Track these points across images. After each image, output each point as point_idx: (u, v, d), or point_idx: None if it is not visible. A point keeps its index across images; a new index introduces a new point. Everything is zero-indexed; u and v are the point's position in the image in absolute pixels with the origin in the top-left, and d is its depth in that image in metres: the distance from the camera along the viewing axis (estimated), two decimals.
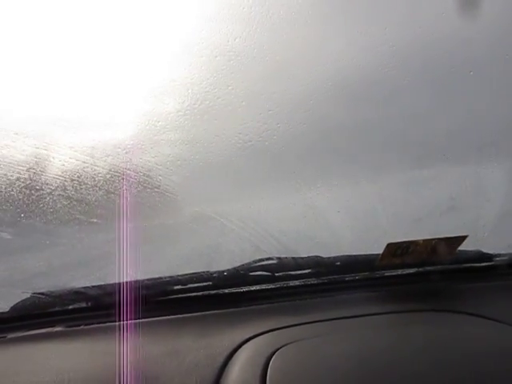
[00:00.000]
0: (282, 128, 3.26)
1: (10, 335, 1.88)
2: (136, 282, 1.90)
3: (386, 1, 3.54)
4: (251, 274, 2.02)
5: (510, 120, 3.61)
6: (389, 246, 1.88)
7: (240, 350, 1.53)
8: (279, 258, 2.09)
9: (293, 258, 2.08)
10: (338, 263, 2.05)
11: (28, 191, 3.17)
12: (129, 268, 2.03)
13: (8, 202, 3.20)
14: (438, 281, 2.01)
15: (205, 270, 2.06)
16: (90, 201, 3.35)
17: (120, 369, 1.46)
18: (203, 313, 1.89)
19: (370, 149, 4.06)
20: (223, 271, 2.02)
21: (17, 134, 2.97)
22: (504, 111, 3.64)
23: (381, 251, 1.90)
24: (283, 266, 2.04)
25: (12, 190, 3.14)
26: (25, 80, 3.29)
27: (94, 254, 4.71)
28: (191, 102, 3.18)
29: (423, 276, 2.05)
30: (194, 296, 2.00)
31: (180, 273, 2.04)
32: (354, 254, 2.11)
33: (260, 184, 4.11)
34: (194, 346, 1.60)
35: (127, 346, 1.61)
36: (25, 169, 3.08)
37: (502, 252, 2.05)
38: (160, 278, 2.02)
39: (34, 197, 3.21)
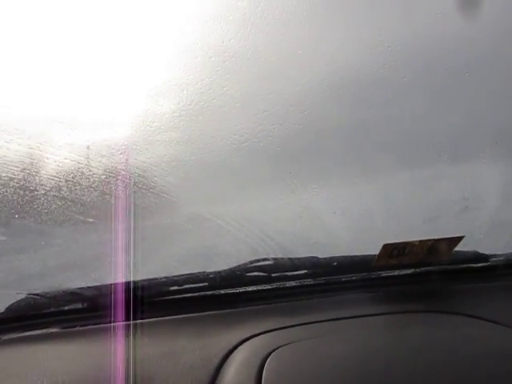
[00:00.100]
0: (278, 129, 3.26)
1: (5, 337, 1.87)
2: (131, 282, 1.90)
3: (381, 1, 3.54)
4: (247, 274, 2.02)
5: (507, 121, 3.61)
6: (385, 246, 1.88)
7: (236, 351, 1.52)
8: (275, 259, 2.09)
9: (289, 258, 2.08)
10: (335, 264, 2.05)
11: (22, 192, 3.16)
12: (124, 269, 2.02)
13: (2, 202, 3.18)
14: (434, 281, 2.01)
15: (201, 270, 2.06)
16: (85, 201, 3.34)
17: (115, 370, 1.45)
18: (199, 314, 1.88)
19: (366, 149, 4.06)
20: (219, 272, 2.02)
21: (10, 134, 2.96)
22: (502, 112, 3.65)
23: (377, 252, 1.90)
24: (279, 267, 2.04)
25: (6, 191, 3.12)
26: (18, 80, 3.27)
27: (89, 255, 4.69)
28: (186, 102, 3.17)
29: (420, 277, 2.05)
30: (190, 297, 1.99)
31: (176, 273, 2.04)
32: (351, 254, 2.11)
33: (256, 185, 4.10)
34: (189, 347, 1.59)
35: (122, 347, 1.61)
36: (19, 169, 3.07)
37: (499, 252, 2.05)
38: (156, 278, 2.01)
39: (28, 197, 3.19)
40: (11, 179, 3.07)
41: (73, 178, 3.19)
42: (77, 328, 1.88)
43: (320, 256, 2.08)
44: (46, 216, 3.38)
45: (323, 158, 4.07)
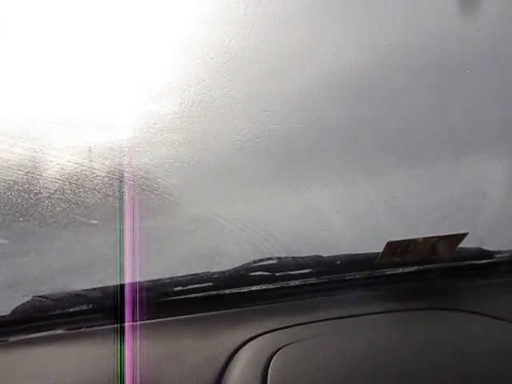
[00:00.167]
0: (280, 128, 3.26)
1: (11, 339, 1.87)
2: (136, 283, 1.90)
3: (381, 1, 3.54)
4: (251, 274, 2.02)
5: (508, 117, 3.61)
6: (389, 244, 1.88)
7: (241, 351, 1.52)
8: (279, 258, 2.09)
9: (293, 257, 2.08)
10: (338, 262, 2.05)
11: (26, 195, 3.17)
12: (128, 270, 2.03)
13: (7, 205, 3.20)
14: (438, 279, 2.01)
15: (204, 270, 2.06)
16: (88, 203, 3.35)
17: (121, 371, 1.45)
18: (203, 314, 1.88)
19: (368, 148, 4.06)
20: (223, 272, 2.02)
21: (14, 137, 2.97)
22: (503, 110, 3.64)
23: (381, 250, 1.90)
24: (283, 266, 2.04)
25: (11, 194, 3.14)
26: (22, 83, 3.28)
27: (93, 257, 4.70)
28: (188, 103, 3.18)
29: (423, 274, 2.05)
30: (194, 297, 1.99)
31: (180, 274, 2.04)
32: (354, 253, 2.11)
33: (258, 185, 4.10)
34: (194, 347, 1.60)
35: (128, 348, 1.61)
36: (23, 173, 3.07)
37: (503, 249, 2.05)
38: (160, 279, 2.02)
39: (32, 200, 3.20)
40: (15, 182, 3.09)
41: (76, 180, 3.19)
42: (82, 329, 1.89)
43: (323, 255, 2.08)
44: (50, 219, 3.39)
45: (326, 157, 4.08)
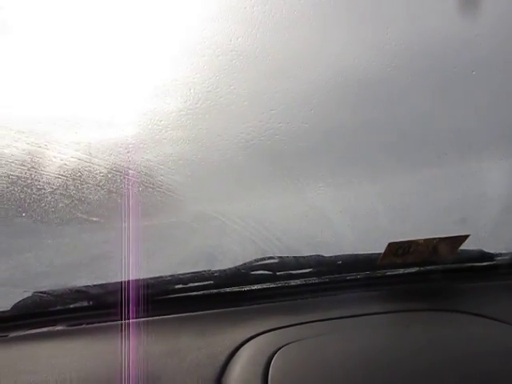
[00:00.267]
0: (284, 127, 3.26)
1: (12, 334, 1.88)
2: (137, 280, 1.90)
3: (387, 1, 3.54)
4: (252, 273, 2.02)
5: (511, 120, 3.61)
6: (390, 245, 1.88)
7: (241, 349, 1.53)
8: (280, 257, 2.09)
9: (294, 257, 2.08)
10: (340, 262, 2.05)
11: (29, 190, 3.17)
12: (130, 267, 2.03)
13: (10, 200, 3.20)
14: (439, 280, 2.01)
15: (206, 269, 2.06)
16: (91, 200, 3.35)
17: (121, 368, 1.46)
18: (204, 312, 1.89)
19: (372, 149, 4.05)
20: (224, 270, 2.02)
21: (18, 132, 2.97)
22: (507, 112, 3.64)
23: (382, 250, 1.90)
24: (284, 265, 2.04)
25: (14, 189, 3.14)
26: (27, 79, 3.29)
27: (95, 253, 4.72)
28: (193, 101, 3.18)
29: (424, 275, 2.05)
30: (196, 295, 1.99)
31: (181, 272, 2.04)
32: (356, 253, 2.11)
33: (262, 183, 4.10)
34: (195, 345, 1.60)
35: (128, 345, 1.62)
36: (26, 168, 3.08)
37: (504, 251, 2.05)
38: (161, 276, 2.02)
39: (35, 196, 3.20)
40: (18, 178, 3.09)
41: (79, 176, 3.20)
42: (83, 326, 1.89)
43: (325, 255, 2.08)
44: (53, 214, 3.39)
45: (329, 157, 4.07)
